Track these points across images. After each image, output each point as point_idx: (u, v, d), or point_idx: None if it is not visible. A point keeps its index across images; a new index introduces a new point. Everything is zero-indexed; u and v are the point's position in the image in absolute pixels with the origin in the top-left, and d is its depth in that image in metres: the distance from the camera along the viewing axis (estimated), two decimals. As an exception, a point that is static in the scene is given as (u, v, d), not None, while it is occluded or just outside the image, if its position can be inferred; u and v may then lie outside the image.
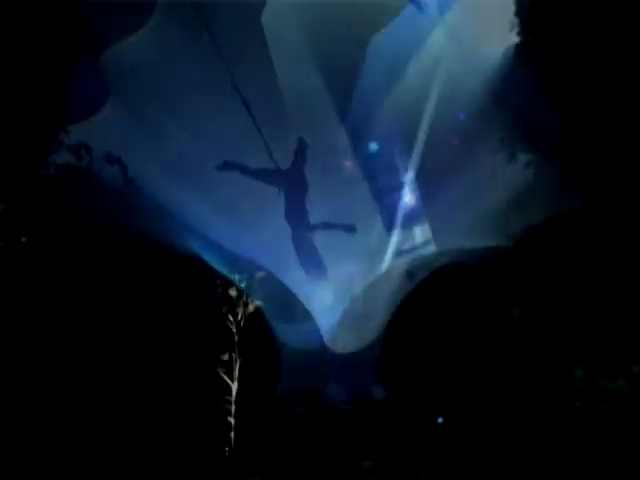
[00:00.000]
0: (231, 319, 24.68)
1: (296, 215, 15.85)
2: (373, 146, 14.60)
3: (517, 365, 23.49)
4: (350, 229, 15.58)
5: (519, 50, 11.00)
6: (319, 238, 16.51)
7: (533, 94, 11.95)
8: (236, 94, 13.43)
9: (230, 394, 24.17)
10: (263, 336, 21.92)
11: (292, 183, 15.25)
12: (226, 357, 23.81)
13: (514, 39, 11.35)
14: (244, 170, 14.85)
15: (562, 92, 9.67)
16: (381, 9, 12.45)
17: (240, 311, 24.32)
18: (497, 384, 23.58)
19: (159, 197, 15.23)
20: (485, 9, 11.49)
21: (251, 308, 24.15)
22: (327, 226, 15.97)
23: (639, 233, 13.57)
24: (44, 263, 10.76)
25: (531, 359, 22.40)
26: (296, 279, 17.83)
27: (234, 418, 23.72)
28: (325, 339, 18.28)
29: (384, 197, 15.74)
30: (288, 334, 17.74)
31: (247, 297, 23.90)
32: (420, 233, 16.23)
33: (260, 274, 22.06)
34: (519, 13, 10.54)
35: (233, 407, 24.02)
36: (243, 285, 23.86)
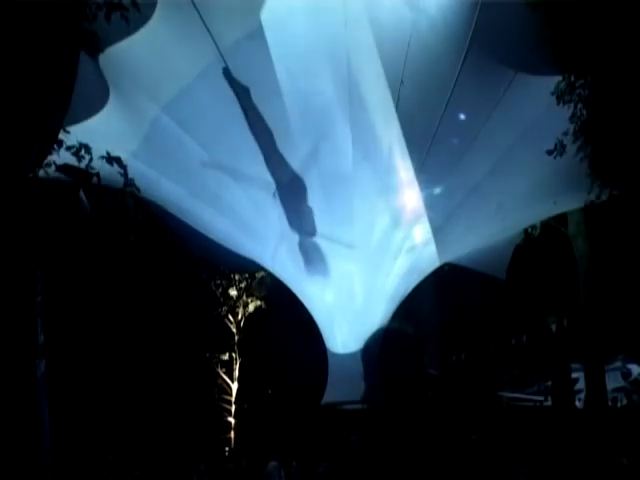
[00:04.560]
0: (231, 319, 24.70)
1: (296, 217, 15.82)
2: (374, 145, 14.58)
3: (515, 363, 23.44)
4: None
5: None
6: (319, 239, 16.49)
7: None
8: (236, 95, 13.42)
9: (230, 394, 24.11)
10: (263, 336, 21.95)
11: (290, 186, 15.22)
12: (226, 357, 23.85)
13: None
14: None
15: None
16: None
17: (240, 311, 24.36)
18: (496, 382, 23.53)
19: (159, 197, 15.24)
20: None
21: (251, 308, 24.19)
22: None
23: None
24: (44, 263, 10.75)
25: (531, 357, 22.36)
26: (296, 279, 17.83)
27: (234, 418, 23.70)
28: (326, 339, 18.29)
29: (385, 197, 15.71)
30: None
31: (247, 297, 23.93)
32: (421, 232, 16.20)
33: (260, 274, 22.09)
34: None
35: (233, 407, 24.03)
36: (243, 285, 23.91)
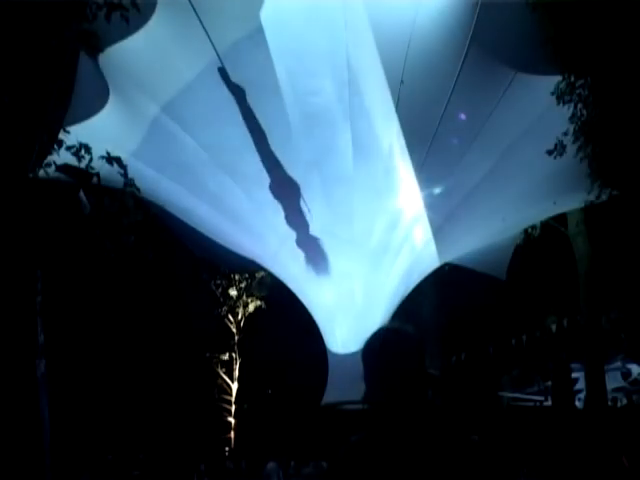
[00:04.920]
0: (231, 319, 24.73)
1: (296, 217, 15.81)
2: (374, 145, 14.58)
3: (515, 363, 23.41)
4: None
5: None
6: (319, 239, 16.48)
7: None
8: (236, 95, 13.43)
9: (230, 394, 24.14)
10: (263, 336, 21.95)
11: (290, 186, 15.21)
12: (226, 357, 23.87)
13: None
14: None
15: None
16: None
17: (240, 311, 24.38)
18: (496, 382, 23.49)
19: (159, 198, 15.24)
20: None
21: (251, 308, 24.19)
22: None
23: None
24: (44, 263, 10.76)
25: (531, 357, 22.34)
26: (296, 279, 17.83)
27: (234, 418, 23.73)
28: (326, 339, 18.29)
29: (385, 197, 15.71)
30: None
31: (247, 297, 23.93)
32: (421, 232, 16.20)
33: (260, 274, 22.08)
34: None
35: (233, 407, 24.05)
36: (243, 285, 23.90)
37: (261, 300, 22.99)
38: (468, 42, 11.49)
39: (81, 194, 8.98)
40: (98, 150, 8.21)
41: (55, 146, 8.26)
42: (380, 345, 2.14)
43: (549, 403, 20.59)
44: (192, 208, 15.96)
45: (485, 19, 11.09)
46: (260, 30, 12.24)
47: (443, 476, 1.94)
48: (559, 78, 9.96)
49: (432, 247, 16.08)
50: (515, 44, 11.10)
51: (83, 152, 7.98)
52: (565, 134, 10.17)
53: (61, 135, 8.50)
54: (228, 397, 22.50)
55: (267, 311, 23.02)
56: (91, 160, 8.06)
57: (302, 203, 15.68)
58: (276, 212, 15.76)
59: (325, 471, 12.69)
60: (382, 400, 2.09)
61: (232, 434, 22.17)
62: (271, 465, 15.19)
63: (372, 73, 12.70)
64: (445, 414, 2.04)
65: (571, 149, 10.26)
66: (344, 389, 16.23)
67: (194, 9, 11.58)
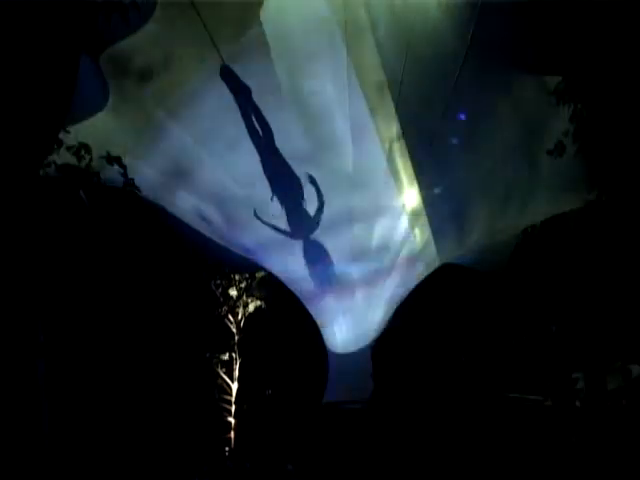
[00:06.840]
0: (231, 319, 24.74)
1: (296, 217, 15.82)
2: (374, 145, 14.58)
3: (515, 365, 23.44)
4: None
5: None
6: (319, 239, 16.51)
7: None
8: (236, 95, 13.44)
9: (230, 394, 24.16)
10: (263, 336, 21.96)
11: (289, 186, 15.22)
12: (226, 357, 23.88)
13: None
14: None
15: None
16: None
17: (240, 311, 24.38)
18: (494, 383, 23.53)
19: (159, 198, 15.25)
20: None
21: (251, 308, 24.20)
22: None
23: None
24: (44, 262, 10.76)
25: (530, 358, 22.36)
26: (296, 279, 17.84)
27: (234, 418, 23.75)
28: (325, 339, 18.30)
29: (385, 197, 15.73)
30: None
31: (247, 297, 23.94)
32: (421, 232, 16.22)
33: (260, 274, 22.07)
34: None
35: (233, 407, 24.07)
36: (243, 285, 23.91)
37: (261, 300, 22.97)
38: (468, 42, 11.51)
39: (81, 194, 8.99)
40: (98, 150, 8.23)
41: (55, 146, 8.28)
42: (390, 344, 2.17)
43: (549, 403, 20.60)
44: (192, 208, 15.98)
45: (485, 19, 11.11)
46: (260, 30, 12.27)
47: (449, 474, 1.96)
48: (559, 78, 9.98)
49: (432, 247, 16.10)
50: (515, 44, 11.12)
51: (83, 152, 8.00)
52: (565, 134, 10.19)
53: (61, 135, 8.52)
54: (228, 397, 22.49)
55: (267, 311, 22.99)
56: (91, 160, 8.08)
57: (302, 203, 15.70)
58: (276, 212, 15.77)
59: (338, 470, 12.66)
60: (391, 398, 2.11)
61: (232, 434, 22.16)
62: (290, 468, 15.08)
63: (372, 73, 12.72)
64: (448, 414, 2.06)
65: (571, 149, 10.28)
66: (344, 389, 16.27)
67: (196, 8, 11.60)
